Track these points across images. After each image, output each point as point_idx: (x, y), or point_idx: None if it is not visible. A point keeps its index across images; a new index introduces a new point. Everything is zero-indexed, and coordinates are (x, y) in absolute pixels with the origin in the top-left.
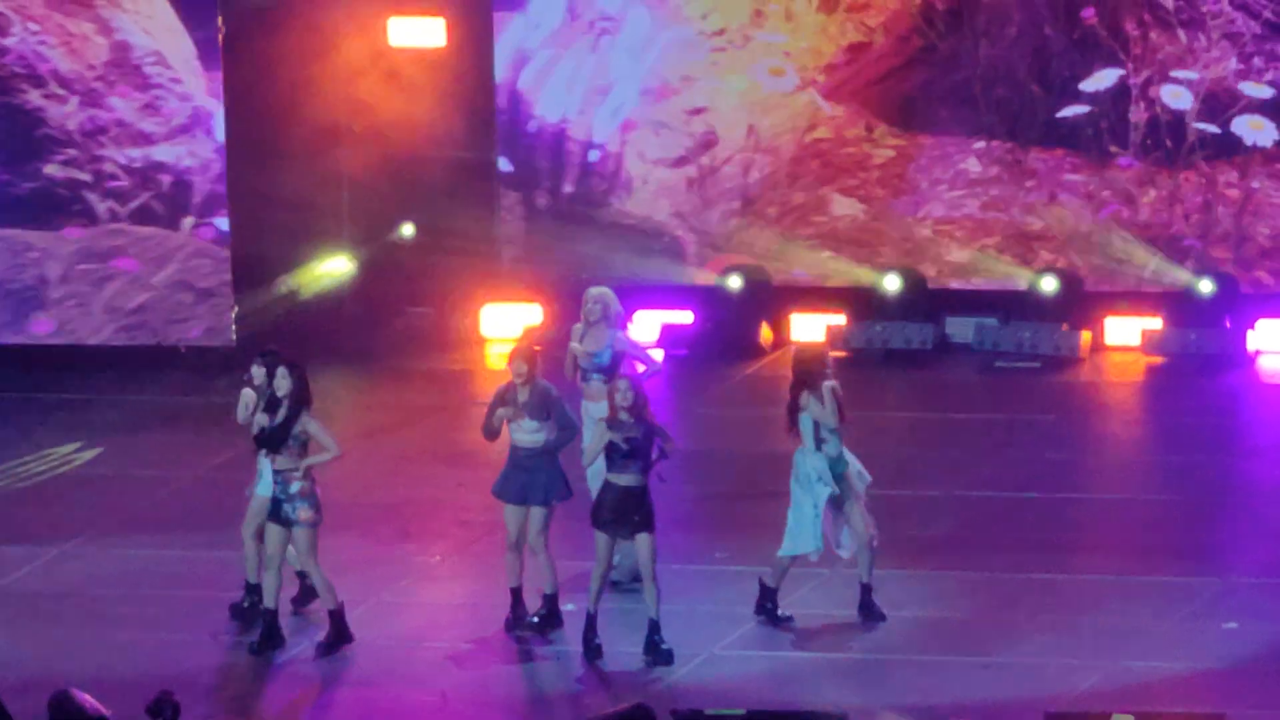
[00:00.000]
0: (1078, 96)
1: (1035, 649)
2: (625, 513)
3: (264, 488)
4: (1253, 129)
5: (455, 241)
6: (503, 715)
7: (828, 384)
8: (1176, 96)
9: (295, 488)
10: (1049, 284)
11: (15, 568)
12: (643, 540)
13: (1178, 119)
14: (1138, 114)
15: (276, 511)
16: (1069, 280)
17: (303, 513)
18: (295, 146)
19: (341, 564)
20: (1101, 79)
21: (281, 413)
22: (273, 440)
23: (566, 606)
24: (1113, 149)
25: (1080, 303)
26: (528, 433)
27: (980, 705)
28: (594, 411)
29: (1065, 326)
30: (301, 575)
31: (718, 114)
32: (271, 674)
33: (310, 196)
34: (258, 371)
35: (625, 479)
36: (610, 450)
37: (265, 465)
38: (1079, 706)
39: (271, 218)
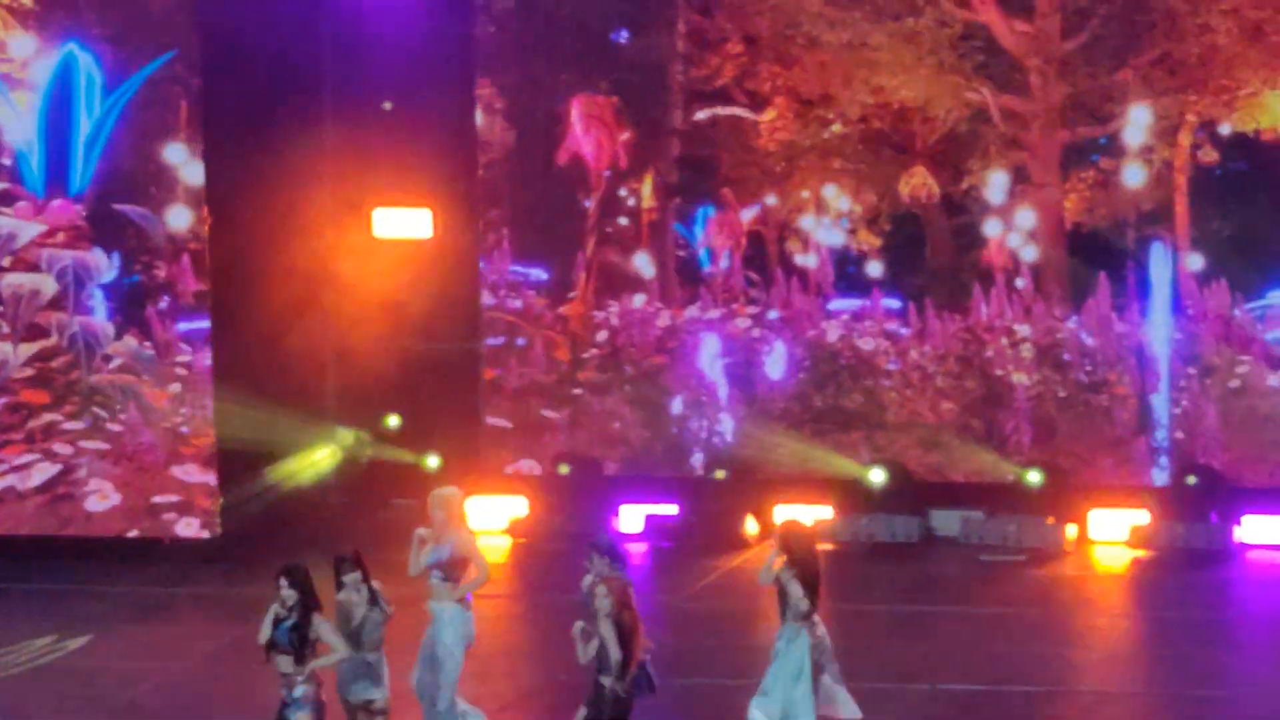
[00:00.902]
0: None
1: None
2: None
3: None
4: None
5: (441, 432)
6: None
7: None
8: None
9: (299, 691)
10: (1034, 477)
11: None
12: None
13: None
14: None
15: (280, 714)
16: (1054, 473)
17: (301, 716)
18: (279, 336)
19: None
20: None
21: (291, 619)
22: (291, 647)
23: None
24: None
25: (1065, 496)
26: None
27: None
28: (436, 611)
29: (1050, 520)
30: None
31: None
32: None
33: (295, 387)
34: (288, 594)
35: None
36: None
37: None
38: None
39: (257, 407)
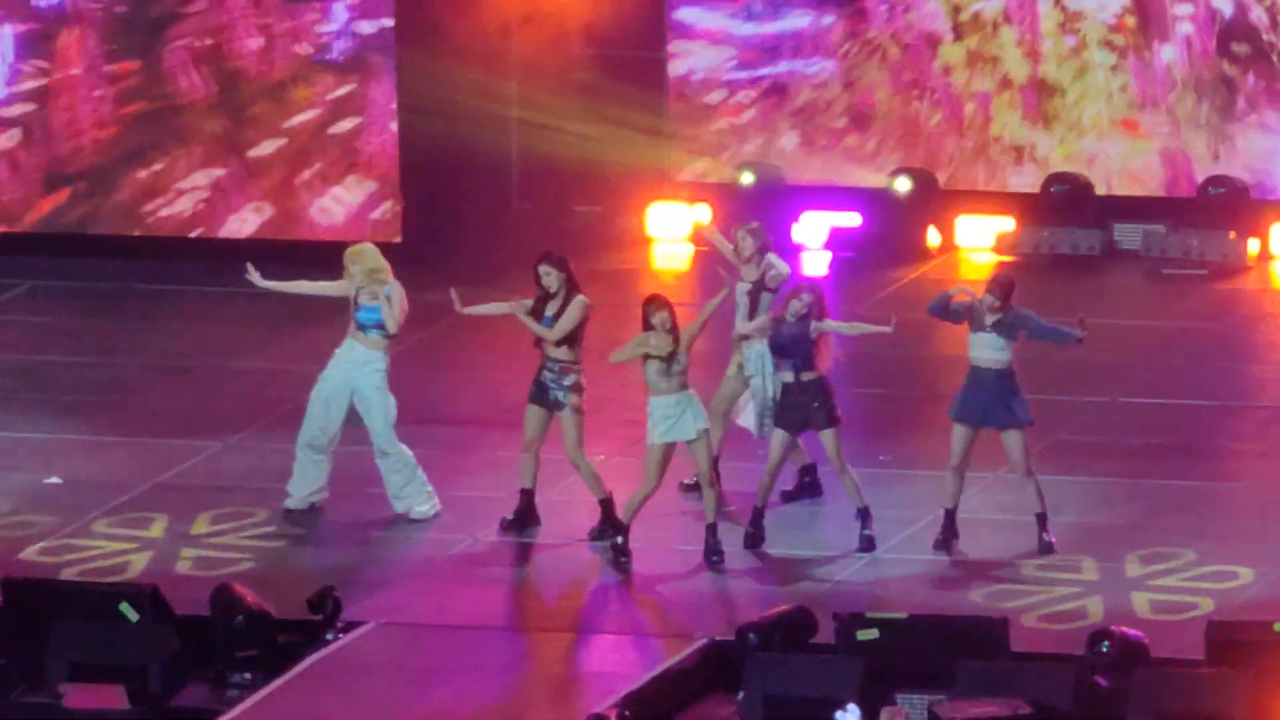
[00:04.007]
0: None
1: (1198, 556)
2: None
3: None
4: None
5: (624, 139)
6: (660, 610)
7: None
8: None
9: (569, 380)
10: (1216, 191)
11: (181, 460)
12: (828, 435)
13: None
14: None
15: (544, 396)
16: (1236, 188)
17: (572, 399)
18: (465, 45)
19: (509, 461)
20: None
21: (557, 304)
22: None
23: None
24: None
25: (1248, 210)
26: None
27: (1141, 612)
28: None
29: (1233, 234)
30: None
31: None
32: (431, 570)
33: (479, 92)
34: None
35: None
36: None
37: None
38: (1241, 615)
39: (440, 112)
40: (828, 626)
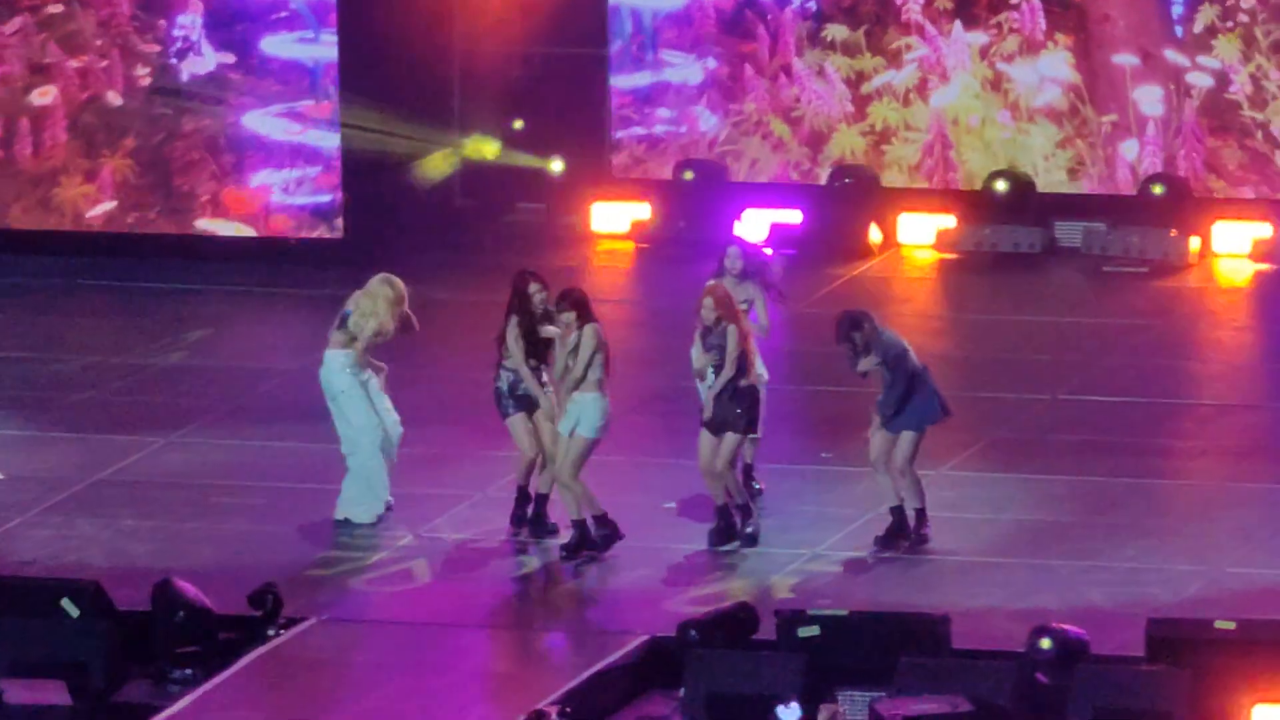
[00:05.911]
0: None
1: (1138, 554)
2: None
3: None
4: None
5: (565, 138)
6: (601, 607)
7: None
8: None
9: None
10: (1158, 189)
11: (121, 457)
12: (731, 439)
13: None
14: None
15: (532, 404)
16: (1178, 186)
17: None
18: (408, 41)
19: (449, 458)
20: None
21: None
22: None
23: (667, 504)
24: None
25: (1189, 208)
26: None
27: (1082, 609)
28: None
29: (1174, 232)
30: None
31: None
32: (371, 568)
33: (421, 91)
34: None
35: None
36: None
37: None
38: (1181, 612)
39: (382, 112)
40: (769, 623)
